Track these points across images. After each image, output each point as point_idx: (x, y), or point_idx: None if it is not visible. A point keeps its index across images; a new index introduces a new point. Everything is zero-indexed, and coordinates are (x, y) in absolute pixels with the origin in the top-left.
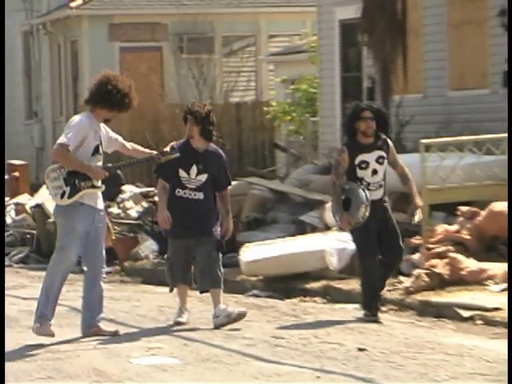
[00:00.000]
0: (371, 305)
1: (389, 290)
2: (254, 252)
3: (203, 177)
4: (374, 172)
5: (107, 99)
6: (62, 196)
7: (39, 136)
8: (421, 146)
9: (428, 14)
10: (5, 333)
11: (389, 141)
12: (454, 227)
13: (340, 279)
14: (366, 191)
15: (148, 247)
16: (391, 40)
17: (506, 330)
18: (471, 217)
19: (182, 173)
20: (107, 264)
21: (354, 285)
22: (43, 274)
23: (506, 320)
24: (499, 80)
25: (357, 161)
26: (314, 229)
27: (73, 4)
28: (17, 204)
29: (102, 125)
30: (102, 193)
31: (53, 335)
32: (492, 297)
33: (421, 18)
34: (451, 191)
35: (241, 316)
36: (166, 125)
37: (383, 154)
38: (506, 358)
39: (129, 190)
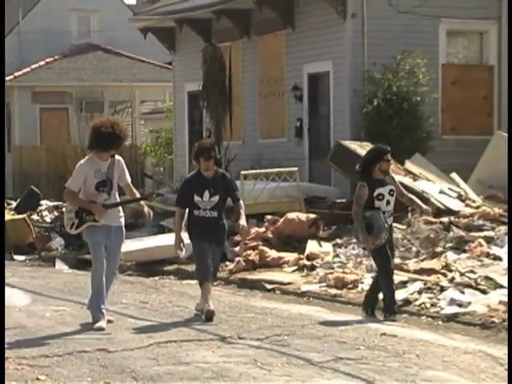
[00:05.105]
0: (393, 307)
1: (219, 271)
2: (129, 245)
3: (215, 198)
4: (388, 202)
5: (91, 144)
6: (72, 226)
7: None
8: (241, 176)
9: (246, 88)
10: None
11: (394, 176)
12: (262, 229)
13: (186, 264)
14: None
15: (58, 242)
16: (222, 105)
17: (295, 298)
18: (273, 223)
19: (197, 198)
20: (29, 254)
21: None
22: None
23: (297, 290)
24: (293, 132)
25: (375, 193)
26: (169, 230)
27: (7, 78)
28: None
29: (121, 163)
30: (28, 205)
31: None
32: (286, 275)
33: (241, 90)
34: (261, 205)
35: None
36: (71, 160)
37: (393, 187)
38: (296, 314)
39: (45, 203)
